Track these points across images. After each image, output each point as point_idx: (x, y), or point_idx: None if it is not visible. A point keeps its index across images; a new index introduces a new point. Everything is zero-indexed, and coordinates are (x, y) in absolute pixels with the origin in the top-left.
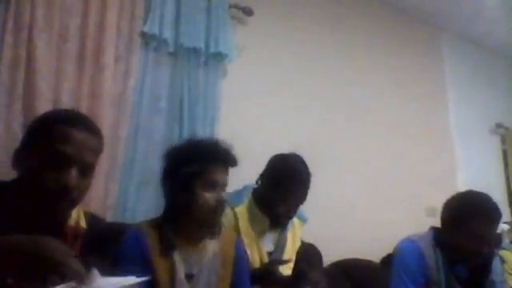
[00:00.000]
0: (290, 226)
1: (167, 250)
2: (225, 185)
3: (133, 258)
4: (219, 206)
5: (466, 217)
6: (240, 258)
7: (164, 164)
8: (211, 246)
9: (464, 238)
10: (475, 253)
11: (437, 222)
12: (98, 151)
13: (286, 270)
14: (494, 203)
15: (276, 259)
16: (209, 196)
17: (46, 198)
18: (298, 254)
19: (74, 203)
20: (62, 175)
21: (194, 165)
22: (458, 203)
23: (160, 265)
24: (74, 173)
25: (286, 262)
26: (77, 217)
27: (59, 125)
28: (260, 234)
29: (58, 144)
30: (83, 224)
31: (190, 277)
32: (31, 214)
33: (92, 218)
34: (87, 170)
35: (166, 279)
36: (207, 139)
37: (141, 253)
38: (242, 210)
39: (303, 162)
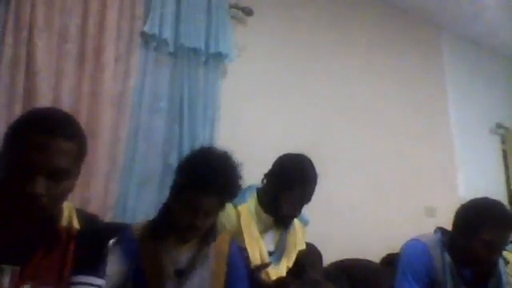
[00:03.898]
0: (291, 228)
1: (157, 245)
2: (210, 212)
3: (123, 254)
4: (190, 229)
5: (481, 225)
6: (234, 256)
7: (182, 160)
8: (205, 245)
9: (476, 244)
10: (485, 260)
11: (436, 222)
12: (72, 153)
13: (283, 270)
14: (510, 214)
15: (259, 264)
16: (185, 215)
17: (14, 206)
18: (299, 256)
19: (45, 209)
20: (28, 183)
21: (187, 179)
22: (473, 209)
23: (150, 261)
24: (40, 180)
25: (267, 265)
26: (69, 217)
27: (25, 130)
28: (262, 233)
29: (23, 151)
30: (76, 224)
31: (179, 272)
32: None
33: (85, 217)
34: (59, 175)
35: (156, 275)
36: (217, 161)
37: (130, 250)
38: (244, 208)
39: (311, 163)
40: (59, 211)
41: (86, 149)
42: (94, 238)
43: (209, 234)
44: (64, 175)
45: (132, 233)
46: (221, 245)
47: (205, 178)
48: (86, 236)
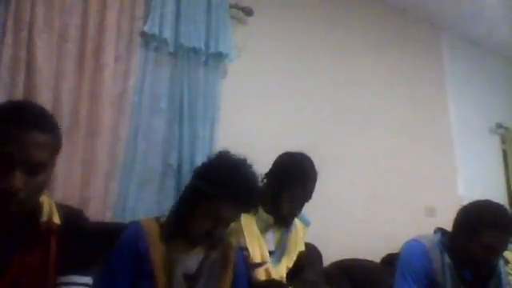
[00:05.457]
0: (292, 228)
1: (166, 246)
2: (230, 221)
3: (130, 252)
4: (206, 238)
5: (481, 228)
6: (240, 265)
7: (202, 163)
8: (213, 251)
9: (475, 247)
10: (484, 263)
11: (436, 222)
12: (47, 145)
13: (283, 269)
14: (511, 217)
15: (254, 263)
16: (205, 223)
17: None
18: (300, 257)
19: (23, 204)
20: (3, 178)
21: (212, 188)
22: (474, 212)
23: (158, 262)
24: (16, 174)
25: (261, 264)
26: (49, 212)
27: (1, 124)
28: (263, 232)
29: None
30: (56, 219)
31: (187, 277)
32: None
33: (67, 212)
34: (35, 168)
35: (164, 276)
36: (244, 173)
37: (139, 248)
38: None
39: (310, 161)
40: (38, 206)
41: (61, 141)
42: (78, 232)
43: (218, 240)
44: (41, 168)
45: (142, 230)
46: (228, 252)
47: (234, 191)
48: (69, 231)
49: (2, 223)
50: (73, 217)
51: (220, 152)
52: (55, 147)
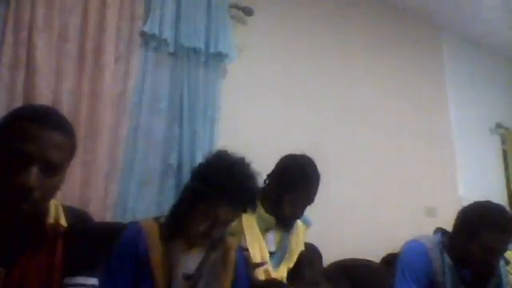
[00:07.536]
0: (293, 229)
1: (166, 246)
2: (227, 223)
3: (130, 253)
4: (203, 238)
5: (481, 229)
6: (240, 265)
7: (200, 163)
8: (213, 251)
9: (475, 248)
10: (485, 263)
11: (436, 222)
12: (65, 148)
13: (284, 270)
14: (511, 217)
15: (254, 263)
16: (203, 224)
17: (4, 199)
18: (300, 257)
19: (36, 204)
20: (20, 175)
21: (208, 189)
22: (474, 213)
23: (158, 262)
24: (33, 172)
25: (261, 264)
26: (55, 214)
27: (19, 122)
28: (264, 233)
29: (16, 141)
30: (63, 222)
31: (187, 277)
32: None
33: (73, 214)
34: (52, 169)
35: (164, 276)
36: (241, 173)
37: (138, 249)
38: None
39: (313, 164)
40: (45, 208)
41: (76, 148)
42: (84, 234)
43: (218, 240)
44: (57, 170)
45: (141, 230)
46: (228, 252)
47: (229, 191)
48: (75, 233)
49: (10, 223)
50: (79, 219)
51: (217, 152)
52: (72, 152)
